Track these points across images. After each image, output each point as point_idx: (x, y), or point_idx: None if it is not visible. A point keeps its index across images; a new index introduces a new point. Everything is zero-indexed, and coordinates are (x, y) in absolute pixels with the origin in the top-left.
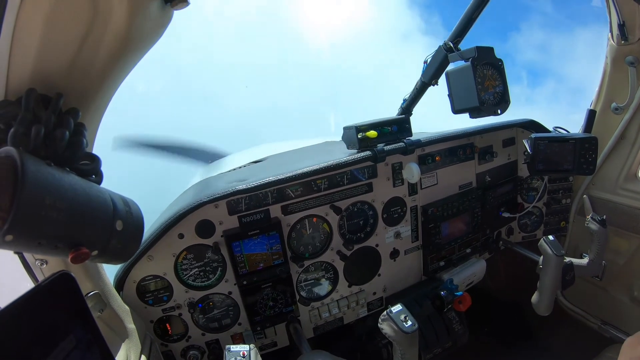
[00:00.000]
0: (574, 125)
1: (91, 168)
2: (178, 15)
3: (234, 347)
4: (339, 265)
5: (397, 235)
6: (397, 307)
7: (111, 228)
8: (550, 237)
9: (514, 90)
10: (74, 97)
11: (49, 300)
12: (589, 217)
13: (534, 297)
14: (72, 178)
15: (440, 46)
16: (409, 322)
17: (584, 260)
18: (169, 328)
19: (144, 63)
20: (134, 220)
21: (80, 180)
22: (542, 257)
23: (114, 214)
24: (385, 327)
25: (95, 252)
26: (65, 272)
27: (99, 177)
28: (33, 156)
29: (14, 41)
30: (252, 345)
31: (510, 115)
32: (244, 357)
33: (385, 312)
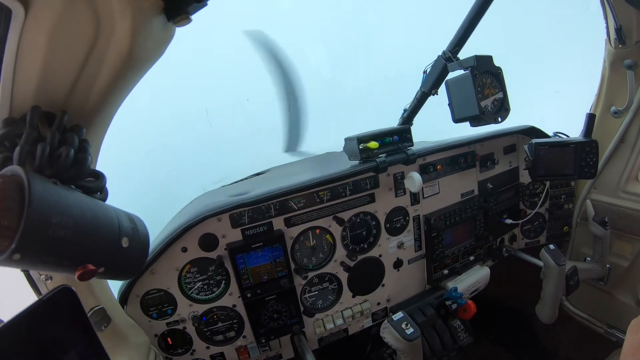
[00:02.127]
0: (574, 130)
1: (96, 185)
2: (180, 31)
3: None
4: (343, 276)
5: (400, 245)
6: (398, 315)
7: (117, 245)
8: (551, 246)
9: None
10: (78, 114)
11: (50, 315)
12: (591, 220)
13: (538, 306)
14: (77, 196)
15: (439, 56)
16: (411, 329)
17: (588, 264)
18: (170, 342)
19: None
20: (140, 236)
21: (86, 198)
22: (544, 265)
23: (119, 231)
24: (387, 335)
25: (101, 270)
26: (66, 287)
27: (104, 194)
28: (39, 175)
29: (17, 60)
30: None
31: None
32: None
33: (386, 321)
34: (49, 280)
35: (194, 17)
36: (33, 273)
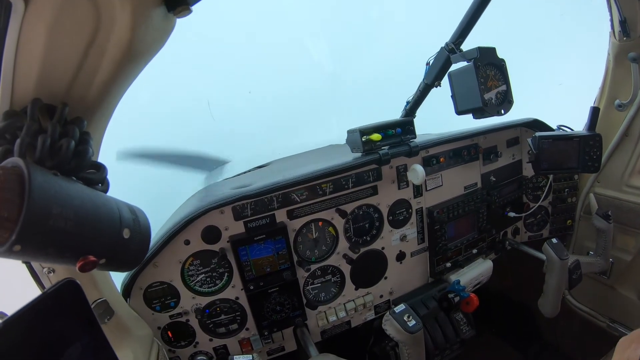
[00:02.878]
0: (578, 123)
1: (97, 177)
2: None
3: (238, 357)
4: (346, 269)
5: (403, 237)
6: (400, 307)
7: (118, 236)
8: (554, 240)
9: None
10: (79, 106)
11: (55, 308)
12: (594, 214)
13: (541, 300)
14: (78, 187)
15: (442, 47)
16: (413, 322)
17: (591, 258)
18: (170, 335)
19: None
20: (141, 228)
21: (87, 189)
22: (546, 259)
23: (120, 222)
24: (389, 328)
25: (102, 261)
26: (71, 280)
27: (105, 186)
28: (40, 166)
29: (18, 52)
30: (255, 355)
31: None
32: None
33: (388, 313)
34: (52, 274)
35: (194, 7)
36: (36, 266)
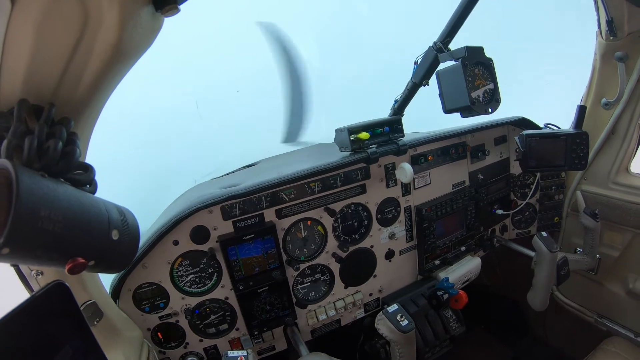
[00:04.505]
0: (565, 121)
1: (85, 178)
2: (169, 22)
3: (232, 353)
4: (335, 268)
5: (392, 235)
6: (393, 307)
7: (107, 238)
8: (544, 234)
9: None
10: (66, 106)
11: (44, 311)
12: (581, 211)
13: (530, 294)
14: (66, 189)
15: (430, 47)
16: (405, 321)
17: (578, 255)
18: (160, 336)
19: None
20: (130, 229)
21: (75, 191)
22: (536, 253)
23: (109, 224)
24: (382, 327)
25: (91, 263)
26: (60, 282)
27: (93, 187)
28: (27, 168)
29: (4, 52)
30: (249, 351)
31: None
32: None
33: (381, 312)
34: (40, 276)
35: (182, 7)
36: (24, 269)
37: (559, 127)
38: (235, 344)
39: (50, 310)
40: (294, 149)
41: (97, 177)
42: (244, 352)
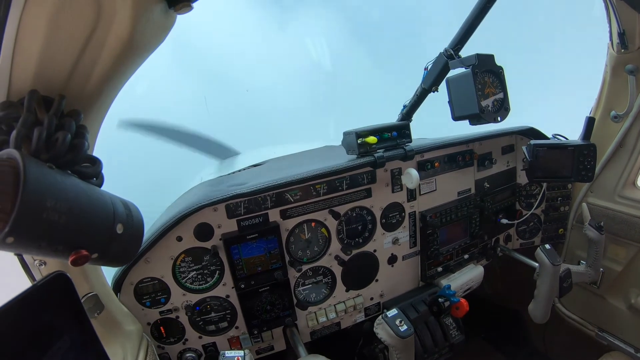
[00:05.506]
0: (573, 132)
1: (92, 171)
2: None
3: (229, 353)
4: (337, 270)
5: (395, 241)
6: (392, 312)
7: (111, 231)
8: (547, 246)
9: None
10: (76, 99)
11: (45, 301)
12: (586, 224)
13: (531, 305)
14: (73, 181)
15: (440, 53)
16: (405, 327)
17: (582, 267)
18: (163, 331)
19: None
20: (134, 223)
21: (82, 183)
22: (538, 265)
23: (114, 217)
24: (381, 332)
25: (95, 255)
26: (61, 273)
27: (100, 180)
28: (35, 158)
29: (17, 43)
30: (246, 351)
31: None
32: None
33: (380, 317)
34: (43, 266)
35: (195, 4)
36: (27, 258)
37: (567, 138)
38: (235, 343)
39: (50, 301)
40: (232, 161)
41: (104, 171)
42: (240, 353)
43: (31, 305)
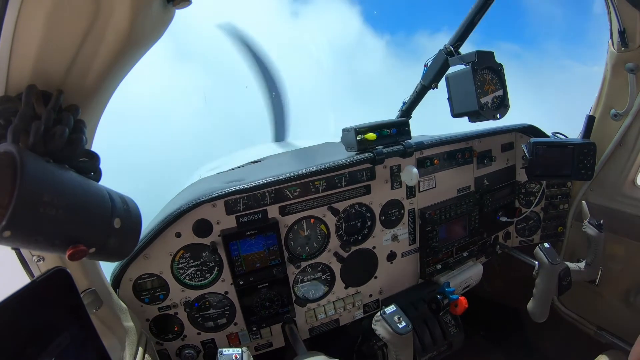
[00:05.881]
0: (573, 131)
1: (90, 165)
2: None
3: (227, 351)
4: (336, 267)
5: (395, 237)
6: (390, 308)
7: (109, 226)
8: (546, 245)
9: None
10: (74, 94)
11: (44, 296)
12: (586, 222)
13: (530, 304)
14: (70, 175)
15: (440, 50)
16: (403, 323)
17: (581, 265)
18: (164, 326)
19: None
20: (132, 218)
21: (79, 178)
22: (538, 263)
23: (112, 212)
24: (379, 328)
25: (92, 250)
26: (61, 268)
27: (97, 175)
28: (32, 153)
29: (15, 37)
30: (244, 349)
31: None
32: None
33: (379, 313)
34: (42, 261)
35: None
36: (25, 254)
37: (566, 136)
38: (233, 339)
39: (50, 296)
40: (285, 149)
41: (102, 166)
42: (238, 350)
43: (31, 300)
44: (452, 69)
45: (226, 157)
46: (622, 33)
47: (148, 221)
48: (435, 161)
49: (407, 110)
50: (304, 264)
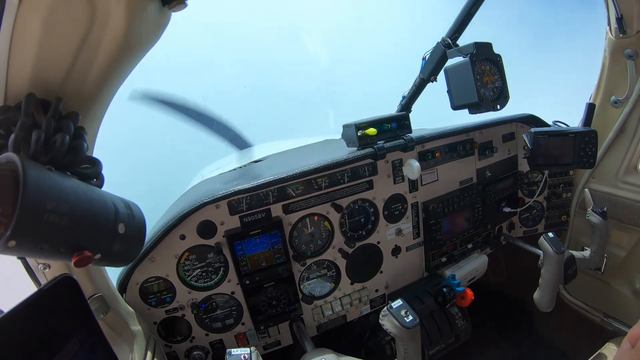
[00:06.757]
0: (574, 119)
1: (92, 172)
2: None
3: (235, 351)
4: (341, 263)
5: (399, 232)
6: (397, 303)
7: (113, 231)
8: (550, 234)
9: None
10: (74, 100)
11: (52, 304)
12: (589, 209)
13: (536, 294)
14: (73, 182)
15: (438, 42)
16: (410, 317)
17: (585, 253)
18: (173, 328)
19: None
20: (136, 222)
21: (82, 184)
22: (542, 253)
23: (115, 217)
24: (386, 323)
25: (98, 256)
26: (68, 276)
27: (100, 181)
28: (34, 161)
29: (12, 46)
30: (253, 348)
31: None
32: None
33: (385, 308)
34: (47, 269)
35: (189, 1)
36: (31, 262)
37: (567, 125)
38: (241, 339)
39: (58, 303)
40: (248, 153)
41: (104, 172)
42: (247, 350)
43: (39, 308)
44: (450, 62)
45: (227, 158)
46: (619, 19)
47: (152, 224)
48: (436, 154)
49: (407, 104)
50: (309, 262)
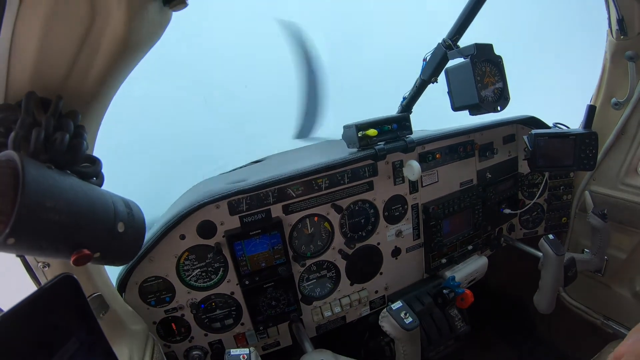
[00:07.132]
0: (574, 121)
1: (92, 170)
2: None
3: (234, 351)
4: (341, 264)
5: (399, 233)
6: (397, 304)
7: (113, 230)
8: (551, 236)
9: None
10: (74, 99)
11: (52, 303)
12: (590, 212)
13: (536, 296)
14: (72, 181)
15: (439, 43)
16: (410, 319)
17: (586, 256)
18: (174, 328)
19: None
20: (136, 221)
21: (81, 183)
22: (542, 255)
23: (115, 216)
24: (386, 325)
25: (97, 254)
26: (68, 275)
27: (99, 180)
28: (33, 160)
29: (13, 45)
30: (252, 349)
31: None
32: None
33: (385, 310)
34: (47, 268)
35: (190, 1)
36: (30, 261)
37: (568, 127)
38: (240, 339)
39: (58, 302)
40: (304, 145)
41: (104, 170)
42: (246, 351)
43: (39, 307)
44: (451, 63)
45: (227, 158)
46: (620, 21)
47: (151, 224)
48: (437, 155)
49: (408, 105)
50: (308, 262)
